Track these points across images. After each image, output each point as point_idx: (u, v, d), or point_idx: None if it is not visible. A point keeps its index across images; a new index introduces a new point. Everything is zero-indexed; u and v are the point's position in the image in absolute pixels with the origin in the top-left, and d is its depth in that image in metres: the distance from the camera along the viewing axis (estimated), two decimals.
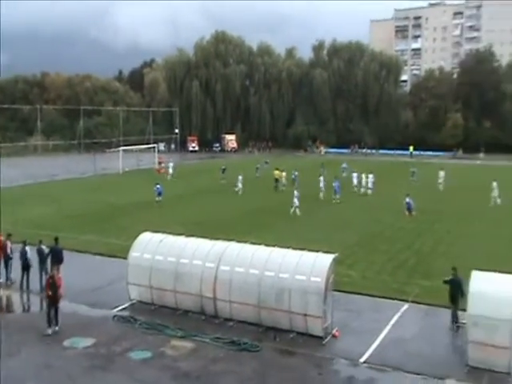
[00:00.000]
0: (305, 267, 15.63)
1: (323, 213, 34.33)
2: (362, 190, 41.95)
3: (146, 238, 18.56)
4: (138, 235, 18.69)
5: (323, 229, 29.23)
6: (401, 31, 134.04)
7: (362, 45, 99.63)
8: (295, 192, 34.43)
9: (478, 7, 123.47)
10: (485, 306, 13.43)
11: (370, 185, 41.74)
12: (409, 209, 33.32)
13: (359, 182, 42.89)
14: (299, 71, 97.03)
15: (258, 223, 30.73)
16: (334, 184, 38.99)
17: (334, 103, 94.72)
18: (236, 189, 42.44)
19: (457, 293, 16.01)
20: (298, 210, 33.36)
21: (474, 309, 13.53)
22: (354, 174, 43.59)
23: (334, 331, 15.58)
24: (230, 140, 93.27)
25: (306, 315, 15.22)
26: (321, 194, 39.61)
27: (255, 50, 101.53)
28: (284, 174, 45.31)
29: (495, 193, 36.96)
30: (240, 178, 42.90)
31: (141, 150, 67.04)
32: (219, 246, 17.49)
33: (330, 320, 15.69)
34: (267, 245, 17.48)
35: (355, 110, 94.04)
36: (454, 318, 16.04)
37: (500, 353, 13.22)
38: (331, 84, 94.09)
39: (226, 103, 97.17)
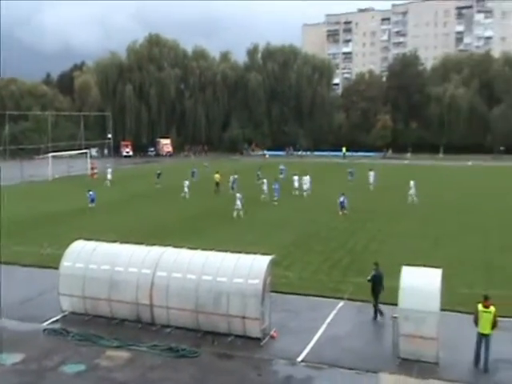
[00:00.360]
0: (242, 270, 15.70)
1: (262, 215, 34.60)
2: (298, 192, 42.44)
3: (78, 246, 18.00)
4: (70, 243, 18.09)
5: (261, 231, 29.49)
6: (332, 35, 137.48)
7: (295, 48, 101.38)
8: (238, 195, 34.56)
9: (404, 13, 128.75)
10: (414, 300, 13.99)
11: (305, 187, 42.27)
12: (342, 207, 34.32)
13: (300, 184, 43.29)
14: (234, 74, 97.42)
15: (196, 228, 30.55)
16: (273, 186, 39.46)
17: (269, 106, 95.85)
18: (182, 194, 41.99)
19: (379, 287, 16.75)
20: (241, 213, 33.45)
21: (404, 303, 14.06)
22: (295, 177, 43.83)
23: (272, 332, 15.73)
24: (165, 144, 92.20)
25: (244, 318, 15.28)
26: (262, 196, 39.89)
27: (190, 53, 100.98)
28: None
29: (412, 191, 38.53)
30: (186, 182, 42.61)
31: (72, 156, 64.87)
32: (155, 251, 17.26)
33: (267, 321, 15.83)
34: (205, 249, 17.42)
35: (290, 112, 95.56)
36: (378, 312, 16.76)
37: (428, 344, 13.82)
38: (266, 87, 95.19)
39: (161, 107, 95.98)
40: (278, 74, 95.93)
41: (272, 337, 15.56)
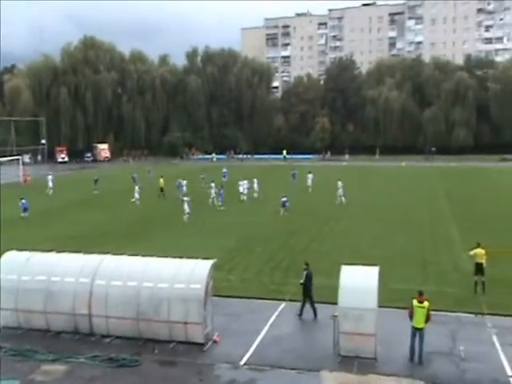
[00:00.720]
0: (184, 275, 15.59)
1: (206, 219, 34.39)
2: (242, 197, 42.18)
3: (10, 257, 17.24)
4: (1, 255, 17.30)
5: (204, 235, 29.33)
6: (271, 39, 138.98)
7: (234, 52, 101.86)
8: (185, 198, 34.25)
9: (340, 18, 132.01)
10: (353, 298, 14.34)
11: (245, 191, 42.14)
12: (284, 206, 35.13)
13: (247, 188, 42.89)
14: (173, 78, 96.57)
15: (137, 234, 29.99)
16: (219, 191, 39.35)
17: (209, 110, 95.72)
18: (132, 199, 41.15)
19: (310, 286, 17.14)
20: (186, 218, 33.22)
21: (343, 302, 14.40)
22: (241, 182, 43.11)
23: (214, 337, 15.68)
24: (103, 149, 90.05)
25: (186, 323, 15.16)
26: (210, 200, 39.60)
27: (127, 56, 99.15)
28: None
29: (340, 192, 39.50)
30: (137, 188, 41.89)
31: (2, 163, 62.06)
32: (94, 259, 16.82)
33: (210, 326, 15.78)
34: (146, 255, 17.14)
35: (230, 116, 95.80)
36: (307, 310, 17.18)
37: (367, 340, 14.21)
38: (205, 91, 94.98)
39: (98, 111, 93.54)
40: (218, 77, 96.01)
41: (215, 341, 15.51)
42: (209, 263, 15.97)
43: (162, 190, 43.86)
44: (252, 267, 22.78)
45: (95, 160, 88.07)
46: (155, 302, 15.32)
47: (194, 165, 76.13)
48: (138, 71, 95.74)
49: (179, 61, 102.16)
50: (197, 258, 16.50)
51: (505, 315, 16.98)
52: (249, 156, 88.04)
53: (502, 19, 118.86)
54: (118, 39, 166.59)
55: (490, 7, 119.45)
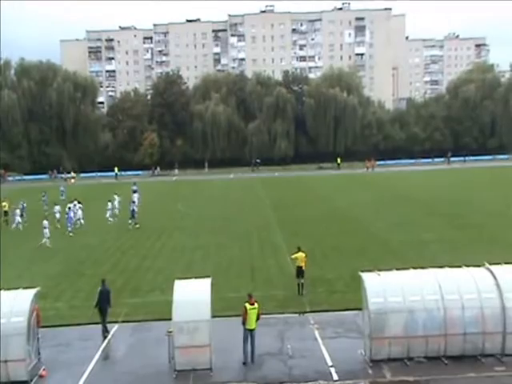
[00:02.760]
0: (4, 308, 14.32)
1: (27, 245, 31.74)
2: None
3: None
4: None
5: (24, 262, 27.09)
6: (94, 52, 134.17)
7: (53, 65, 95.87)
8: (45, 222, 31.67)
9: (165, 33, 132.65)
10: (187, 312, 14.50)
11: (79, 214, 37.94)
12: (133, 216, 36.47)
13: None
14: None
15: None
16: (67, 214, 36.32)
17: (27, 126, 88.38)
18: (13, 225, 37.18)
19: (106, 303, 17.08)
20: (48, 242, 30.91)
21: (177, 316, 14.48)
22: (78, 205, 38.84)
23: (40, 371, 14.62)
24: None
25: (6, 361, 13.89)
26: (57, 226, 36.18)
27: None
28: (5, 203, 40.28)
29: (110, 206, 39.14)
30: (17, 211, 37.77)
31: None
32: None
33: (35, 360, 14.69)
34: None
35: (51, 133, 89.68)
36: (104, 330, 17.07)
37: (202, 351, 14.47)
38: (22, 106, 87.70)
39: None
40: (36, 91, 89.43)
41: (41, 376, 14.46)
42: (31, 292, 14.96)
43: (6, 213, 39.77)
44: (81, 292, 21.67)
45: None
46: None
47: (12, 187, 69.80)
48: None
49: None
50: (17, 288, 15.33)
51: (324, 311, 18.63)
52: (74, 175, 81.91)
53: (313, 39, 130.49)
54: None
55: (303, 28, 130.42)
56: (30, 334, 14.44)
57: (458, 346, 14.65)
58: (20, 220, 37.42)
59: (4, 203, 40.58)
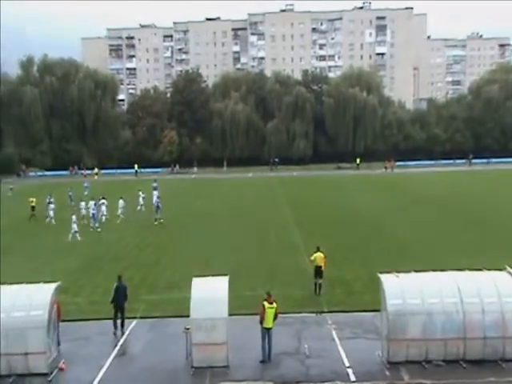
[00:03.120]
0: (24, 302, 14.53)
1: (49, 240, 32.20)
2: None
3: None
4: None
5: (45, 257, 27.49)
6: (115, 50, 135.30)
7: (75, 61, 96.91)
8: (73, 217, 32.44)
9: (185, 32, 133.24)
10: (205, 309, 14.61)
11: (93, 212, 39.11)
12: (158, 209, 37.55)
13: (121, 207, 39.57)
14: (6, 89, 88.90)
15: None
16: (92, 211, 36.32)
17: (48, 122, 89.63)
18: (47, 219, 37.96)
19: (122, 299, 17.19)
20: (78, 235, 31.75)
21: (195, 313, 14.59)
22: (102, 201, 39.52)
23: (60, 364, 14.82)
24: None
25: (26, 354, 14.11)
26: (84, 222, 36.59)
27: None
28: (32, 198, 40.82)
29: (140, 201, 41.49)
30: (51, 206, 38.54)
31: None
32: None
33: (55, 353, 14.90)
34: None
35: (72, 129, 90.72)
36: (115, 325, 17.21)
37: (219, 349, 14.55)
38: (44, 102, 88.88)
39: None
40: (58, 88, 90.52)
41: (61, 369, 14.66)
42: (52, 287, 15.17)
43: (33, 208, 40.25)
44: (100, 287, 21.90)
45: None
46: None
47: (33, 183, 70.73)
48: None
49: (11, 70, 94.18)
50: (38, 281, 15.55)
51: (342, 311, 18.55)
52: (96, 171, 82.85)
53: (333, 38, 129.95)
54: None
55: (323, 27, 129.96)
56: (50, 328, 14.63)
57: (478, 350, 14.48)
58: (52, 215, 38.01)
59: (31, 198, 41.26)
